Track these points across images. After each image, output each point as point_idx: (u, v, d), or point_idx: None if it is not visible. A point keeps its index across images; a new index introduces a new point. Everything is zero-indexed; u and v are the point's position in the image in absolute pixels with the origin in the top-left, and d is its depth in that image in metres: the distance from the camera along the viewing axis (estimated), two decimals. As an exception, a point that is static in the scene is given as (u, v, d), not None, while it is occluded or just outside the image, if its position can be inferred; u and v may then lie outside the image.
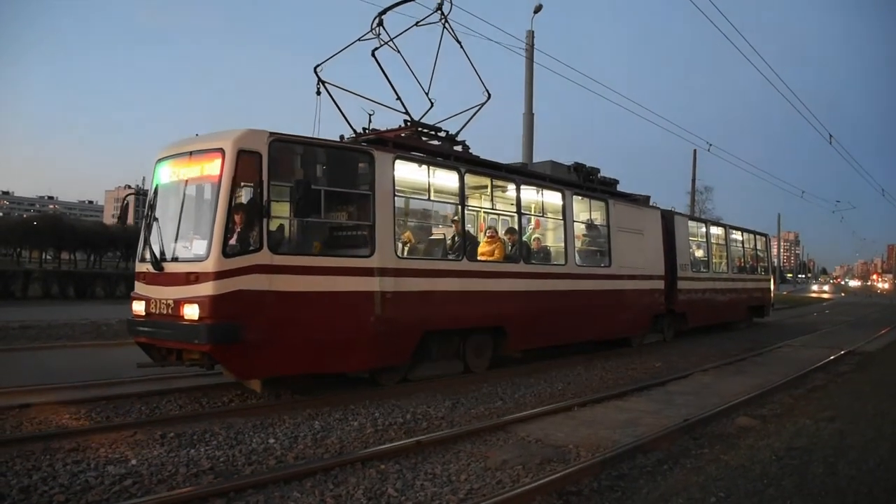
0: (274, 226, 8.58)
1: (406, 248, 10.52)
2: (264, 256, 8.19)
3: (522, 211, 12.22)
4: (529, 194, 12.83)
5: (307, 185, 8.45)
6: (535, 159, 17.98)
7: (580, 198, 14.03)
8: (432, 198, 10.85)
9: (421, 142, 11.09)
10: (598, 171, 15.08)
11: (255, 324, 8.08)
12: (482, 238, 12.01)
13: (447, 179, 10.93)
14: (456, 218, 10.94)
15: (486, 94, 12.05)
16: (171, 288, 8.34)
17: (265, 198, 8.23)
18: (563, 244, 13.20)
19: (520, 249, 11.98)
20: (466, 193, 11.12)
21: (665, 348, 16.14)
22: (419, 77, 11.14)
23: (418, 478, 5.91)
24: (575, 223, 13.48)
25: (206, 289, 7.99)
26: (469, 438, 7.24)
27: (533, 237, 13.49)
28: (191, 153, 8.73)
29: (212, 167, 8.38)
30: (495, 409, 8.89)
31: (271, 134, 8.44)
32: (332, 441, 7.14)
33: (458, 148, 11.69)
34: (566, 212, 13.11)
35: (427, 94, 11.24)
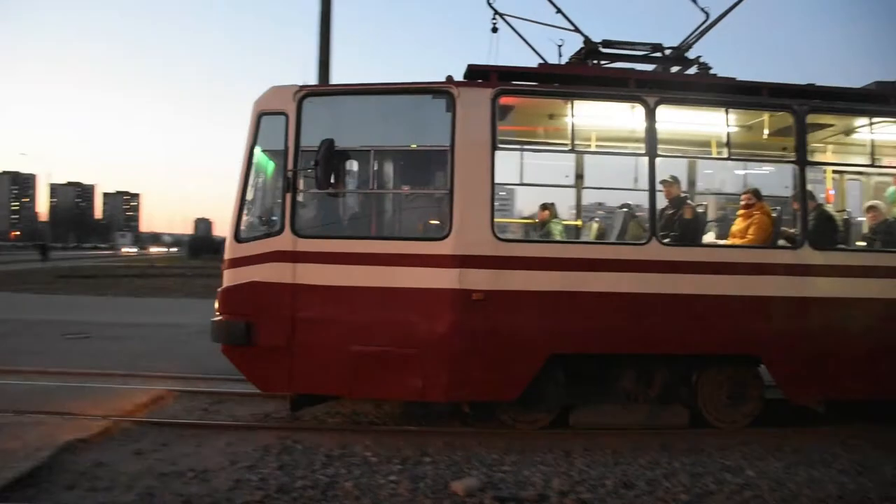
0: (309, 202, 7.25)
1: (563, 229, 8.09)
2: (286, 241, 6.81)
3: (811, 160, 7.74)
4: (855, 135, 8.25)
5: (328, 146, 6.64)
6: None
7: None
8: (577, 147, 7.55)
9: (572, 68, 7.79)
10: None
11: (271, 324, 6.81)
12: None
13: (624, 119, 7.68)
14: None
15: None
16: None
17: (290, 167, 6.82)
18: None
19: (803, 226, 7.28)
20: (663, 138, 7.33)
21: None
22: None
23: None
24: None
25: (224, 279, 7.06)
26: None
27: (867, 206, 8.45)
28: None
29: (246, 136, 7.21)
30: None
31: (301, 88, 6.99)
32: None
33: (692, 71, 7.92)
34: None
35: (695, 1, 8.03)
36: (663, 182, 7.46)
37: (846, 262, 7.28)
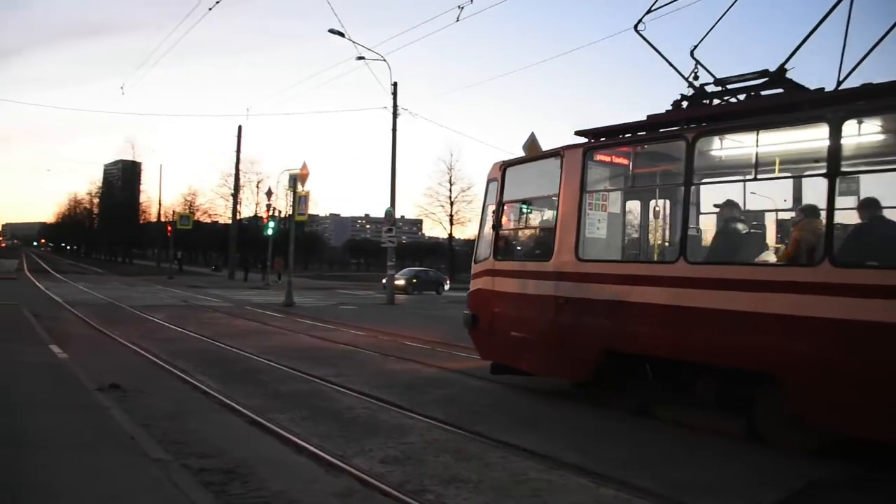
0: (502, 237, 10.55)
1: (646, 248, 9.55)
2: (490, 262, 10.45)
3: (845, 168, 6.91)
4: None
5: (500, 201, 10.36)
6: None
7: None
8: (635, 185, 9.49)
9: (665, 116, 8.61)
10: None
11: (484, 316, 10.38)
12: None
13: (677, 156, 8.44)
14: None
15: None
16: None
17: (497, 215, 10.42)
18: None
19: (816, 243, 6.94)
20: (704, 167, 8.61)
21: None
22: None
23: None
24: None
25: (470, 286, 11.11)
26: None
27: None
28: None
29: None
30: None
31: (504, 162, 10.58)
32: None
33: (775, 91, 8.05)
34: None
35: None
36: (717, 206, 8.32)
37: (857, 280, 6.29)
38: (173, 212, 64.11)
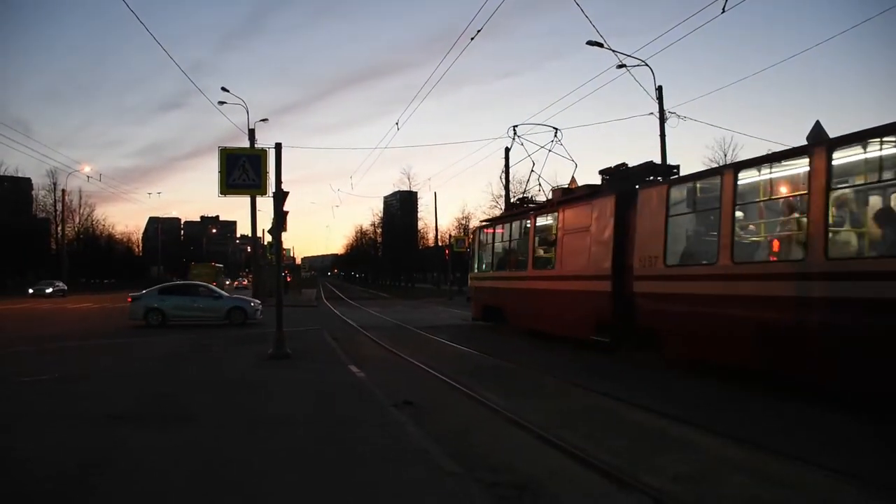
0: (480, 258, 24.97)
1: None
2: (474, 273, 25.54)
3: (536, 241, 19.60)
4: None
5: (472, 240, 28.53)
6: None
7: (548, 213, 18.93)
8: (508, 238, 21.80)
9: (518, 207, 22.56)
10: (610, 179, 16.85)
11: (472, 296, 26.40)
12: None
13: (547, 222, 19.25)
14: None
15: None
16: None
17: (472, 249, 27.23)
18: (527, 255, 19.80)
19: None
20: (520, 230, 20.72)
21: None
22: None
23: None
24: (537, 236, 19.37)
25: (469, 286, 28.73)
26: None
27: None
28: None
29: None
30: None
31: (477, 225, 31.28)
32: None
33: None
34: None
35: None
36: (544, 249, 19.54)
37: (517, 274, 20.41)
38: (449, 235, 67.73)
